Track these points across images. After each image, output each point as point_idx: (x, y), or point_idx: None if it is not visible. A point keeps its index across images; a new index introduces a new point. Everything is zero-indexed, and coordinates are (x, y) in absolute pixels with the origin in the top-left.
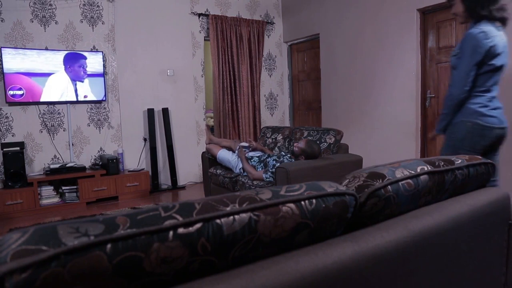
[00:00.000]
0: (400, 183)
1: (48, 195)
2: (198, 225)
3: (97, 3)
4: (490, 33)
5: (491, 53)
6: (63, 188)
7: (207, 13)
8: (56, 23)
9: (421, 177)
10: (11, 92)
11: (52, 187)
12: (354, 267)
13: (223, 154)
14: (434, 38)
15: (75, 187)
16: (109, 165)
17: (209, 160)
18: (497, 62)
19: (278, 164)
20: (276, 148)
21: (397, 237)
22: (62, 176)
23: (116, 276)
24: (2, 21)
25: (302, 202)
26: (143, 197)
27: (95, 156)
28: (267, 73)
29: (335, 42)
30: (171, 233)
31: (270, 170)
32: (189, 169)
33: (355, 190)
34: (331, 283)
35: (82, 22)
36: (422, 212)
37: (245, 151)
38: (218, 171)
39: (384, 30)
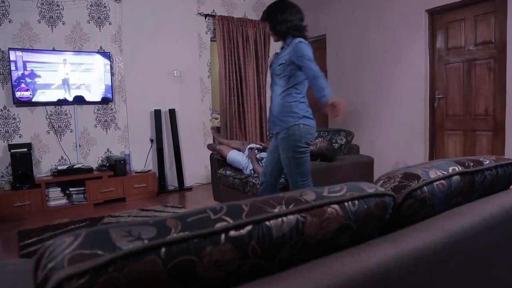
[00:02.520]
0: (434, 183)
1: (56, 197)
2: (248, 228)
3: (104, 3)
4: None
5: None
6: (71, 189)
7: (213, 13)
8: (63, 23)
9: (454, 177)
10: (19, 93)
11: (59, 189)
12: (396, 268)
13: (234, 155)
14: (443, 38)
15: (83, 188)
16: (116, 166)
17: (218, 161)
18: None
19: None
20: None
21: (434, 238)
22: (70, 178)
23: (170, 281)
24: (9, 21)
25: (346, 203)
26: (150, 198)
27: (102, 157)
28: None
29: (342, 43)
30: (223, 236)
31: None
32: (196, 170)
33: (391, 191)
34: (377, 285)
35: (89, 22)
36: (454, 213)
37: (255, 151)
38: (228, 172)
39: (392, 31)
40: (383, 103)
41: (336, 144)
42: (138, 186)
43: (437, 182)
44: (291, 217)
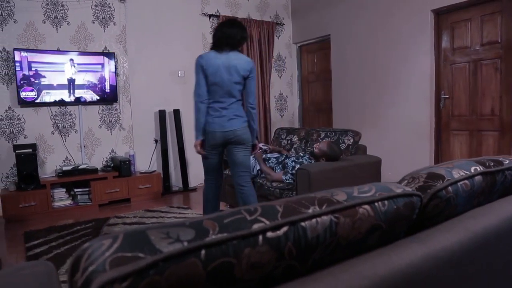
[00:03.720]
0: (458, 183)
1: (61, 198)
2: (285, 229)
3: (109, 4)
4: (206, 56)
5: (206, 72)
6: (75, 190)
7: (217, 14)
8: (68, 24)
9: (476, 177)
10: (23, 94)
11: (64, 189)
12: (425, 269)
13: None
14: (449, 38)
15: (88, 189)
16: (121, 167)
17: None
18: (213, 79)
19: (298, 165)
20: (293, 149)
21: (460, 238)
22: (75, 178)
23: (209, 284)
24: (14, 22)
25: (376, 204)
26: (155, 199)
27: (106, 158)
28: (277, 74)
29: (347, 43)
30: (260, 237)
31: (290, 172)
32: (200, 171)
33: (417, 191)
34: (408, 286)
35: (94, 23)
36: (477, 213)
37: (262, 151)
38: None
39: (398, 31)
40: (388, 103)
41: (344, 145)
42: (142, 186)
43: (461, 182)
44: (325, 217)
